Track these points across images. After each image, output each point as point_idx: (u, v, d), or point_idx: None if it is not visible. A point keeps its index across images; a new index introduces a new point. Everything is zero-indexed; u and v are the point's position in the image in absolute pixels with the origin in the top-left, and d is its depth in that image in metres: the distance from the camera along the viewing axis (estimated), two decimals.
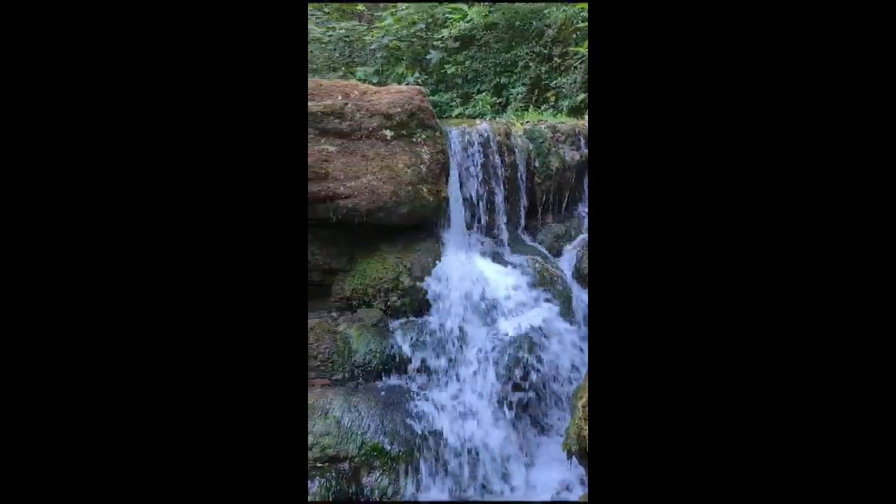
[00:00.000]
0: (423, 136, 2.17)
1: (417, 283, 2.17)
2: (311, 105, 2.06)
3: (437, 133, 2.22)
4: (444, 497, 1.64)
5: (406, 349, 2.08)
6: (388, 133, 2.13)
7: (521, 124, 2.61)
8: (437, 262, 2.22)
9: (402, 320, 2.20)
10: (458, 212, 2.30)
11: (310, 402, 1.80)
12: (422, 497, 1.66)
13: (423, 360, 2.04)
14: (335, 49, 3.99)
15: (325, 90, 2.17)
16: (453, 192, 2.25)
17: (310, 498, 1.55)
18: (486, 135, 2.34)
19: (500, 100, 3.37)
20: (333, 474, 1.65)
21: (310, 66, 3.60)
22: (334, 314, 2.33)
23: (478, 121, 2.57)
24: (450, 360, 2.04)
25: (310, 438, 1.69)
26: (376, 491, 1.67)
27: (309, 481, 1.58)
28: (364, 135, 2.13)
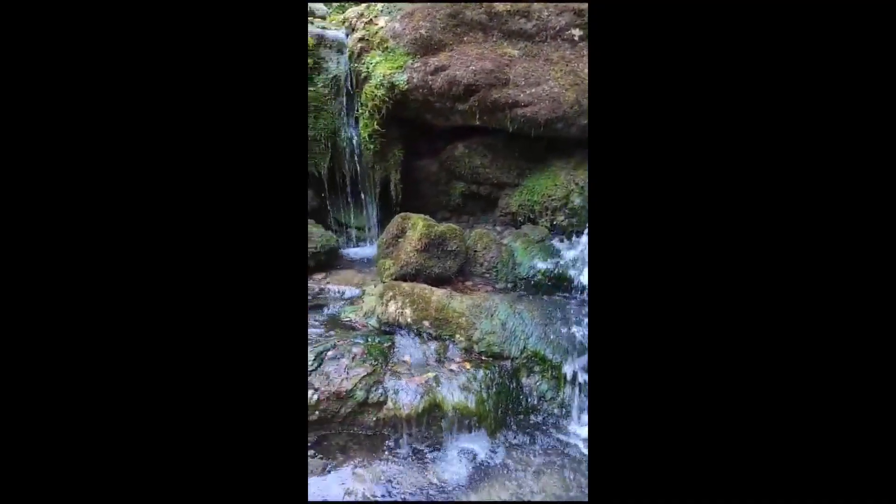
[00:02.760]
0: None
1: None
2: (498, 5, 1.98)
3: None
4: None
5: (570, 268, 2.01)
6: (577, 33, 1.95)
7: None
8: None
9: (568, 241, 2.11)
10: None
11: (476, 302, 1.88)
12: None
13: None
14: None
15: None
16: None
17: (476, 385, 1.65)
18: None
19: None
20: (496, 369, 1.72)
21: None
22: (499, 228, 2.36)
23: None
24: None
25: (476, 334, 1.78)
26: (535, 392, 1.70)
27: (475, 370, 1.68)
28: (549, 35, 1.98)
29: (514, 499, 1.34)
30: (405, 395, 1.51)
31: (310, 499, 1.28)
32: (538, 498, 1.34)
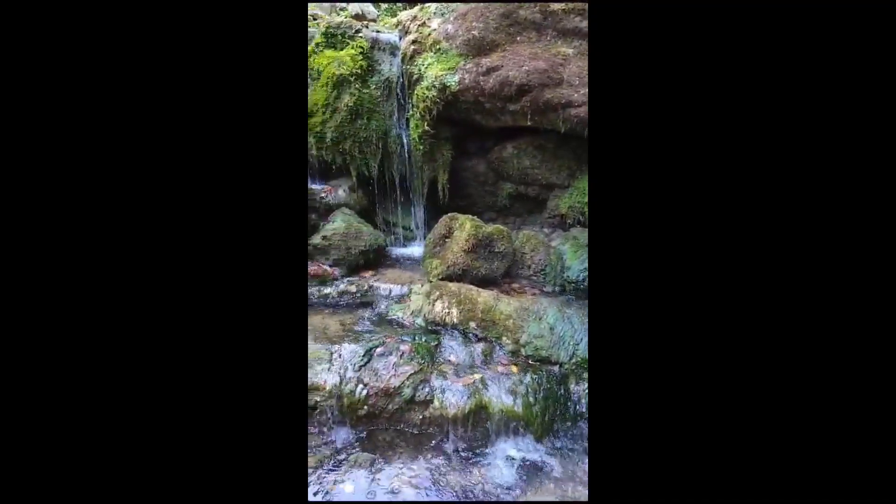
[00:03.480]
0: None
1: None
2: (554, 4, 1.95)
3: None
4: None
5: None
6: None
7: None
8: None
9: None
10: None
11: (524, 305, 1.85)
12: None
13: None
14: None
15: None
16: None
17: (523, 389, 1.63)
18: None
19: None
20: (544, 374, 1.69)
21: None
22: (546, 230, 2.31)
23: None
24: None
25: (524, 337, 1.76)
26: (584, 399, 1.66)
27: (522, 373, 1.66)
28: None
29: None
30: (451, 396, 1.51)
31: (357, 496, 1.31)
32: None
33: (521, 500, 1.33)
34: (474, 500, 1.32)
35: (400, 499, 1.31)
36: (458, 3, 2.16)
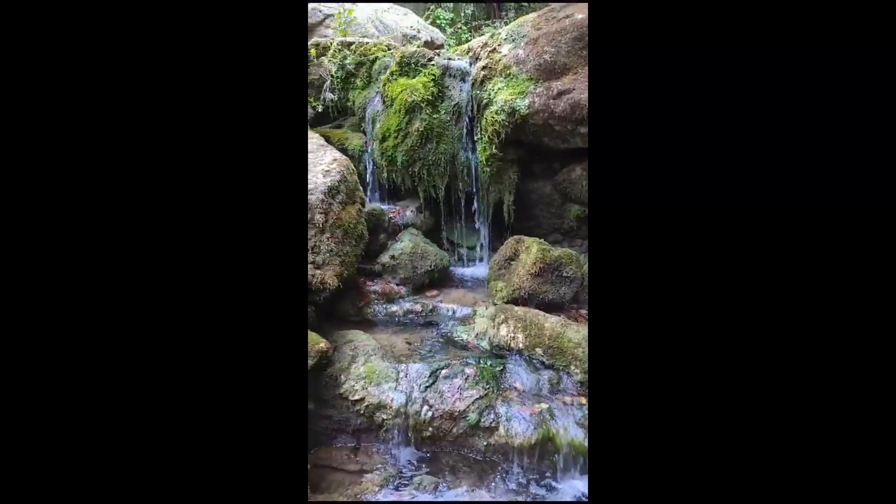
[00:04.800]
0: None
1: None
2: None
3: None
4: None
5: None
6: None
7: None
8: None
9: None
10: None
11: None
12: None
13: None
14: None
15: None
16: None
17: None
18: None
19: None
20: None
21: None
22: None
23: None
24: None
25: None
26: None
27: None
28: None
29: None
30: (517, 424, 1.48)
31: None
32: None
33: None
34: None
35: None
36: (529, 30, 2.18)
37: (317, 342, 1.59)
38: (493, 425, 1.49)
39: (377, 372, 1.60)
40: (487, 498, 1.37)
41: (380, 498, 1.36)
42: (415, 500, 1.33)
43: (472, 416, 1.50)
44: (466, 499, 1.37)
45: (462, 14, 6.35)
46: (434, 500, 1.34)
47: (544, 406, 1.53)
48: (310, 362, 1.52)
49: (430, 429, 1.51)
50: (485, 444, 1.48)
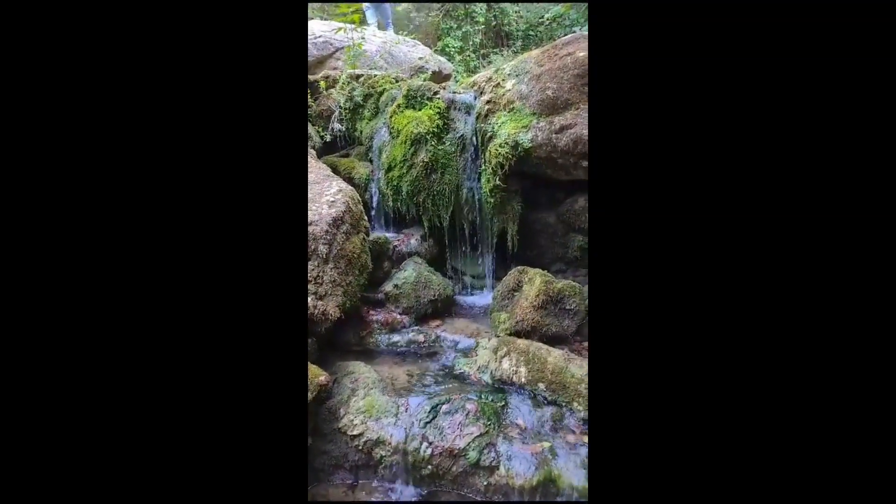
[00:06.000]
0: None
1: None
2: None
3: None
4: None
5: None
6: None
7: None
8: None
9: None
10: None
11: None
12: None
13: None
14: None
15: None
16: None
17: None
18: None
19: None
20: None
21: None
22: None
23: None
24: None
25: None
26: None
27: None
28: None
29: None
30: (518, 464, 1.45)
31: None
32: None
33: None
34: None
35: None
36: (532, 66, 2.24)
37: (317, 375, 1.58)
38: (493, 464, 1.46)
39: (377, 406, 1.59)
40: None
41: None
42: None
43: (473, 455, 1.47)
44: None
45: (470, 42, 6.54)
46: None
47: (546, 445, 1.50)
48: (309, 396, 1.52)
49: (430, 466, 1.48)
50: (485, 483, 1.45)
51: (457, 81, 3.60)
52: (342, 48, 3.67)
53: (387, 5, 4.81)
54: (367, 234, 2.19)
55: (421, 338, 2.08)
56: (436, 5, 6.90)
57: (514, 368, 1.75)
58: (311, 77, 3.13)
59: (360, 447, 1.52)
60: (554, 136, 2.10)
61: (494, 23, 6.96)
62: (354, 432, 1.54)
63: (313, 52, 3.66)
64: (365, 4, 4.62)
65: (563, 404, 1.65)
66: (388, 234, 2.52)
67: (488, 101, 2.34)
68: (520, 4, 6.88)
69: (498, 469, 1.45)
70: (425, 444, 1.50)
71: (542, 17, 6.52)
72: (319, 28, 3.83)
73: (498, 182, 2.29)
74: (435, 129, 2.40)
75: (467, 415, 1.56)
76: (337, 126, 2.85)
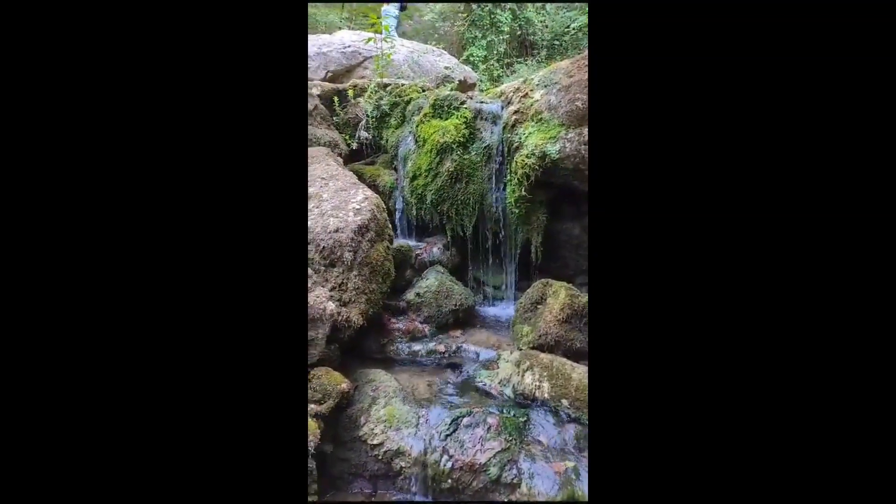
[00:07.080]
0: None
1: None
2: None
3: None
4: None
5: None
6: None
7: None
8: None
9: None
10: None
11: None
12: None
13: None
14: None
15: None
16: None
17: None
18: None
19: None
20: None
21: None
22: None
23: None
24: None
25: None
26: None
27: None
28: None
29: None
30: (541, 482, 1.41)
31: None
32: None
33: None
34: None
35: None
36: (561, 77, 2.22)
37: (339, 382, 1.58)
38: (515, 481, 1.43)
39: (398, 416, 1.58)
40: None
41: None
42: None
43: (494, 471, 1.44)
44: None
45: (495, 51, 6.56)
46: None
47: (570, 464, 1.46)
48: (331, 403, 1.52)
49: (450, 480, 1.46)
50: (506, 500, 1.42)
51: (481, 91, 3.60)
52: (370, 57, 3.73)
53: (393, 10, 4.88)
54: (391, 242, 2.19)
55: (442, 348, 2.06)
56: (462, 14, 6.95)
57: (537, 383, 1.72)
58: (339, 85, 3.19)
59: (380, 457, 1.51)
60: (583, 147, 2.07)
61: (519, 32, 6.96)
62: (375, 441, 1.53)
63: (342, 61, 3.73)
64: (383, 10, 4.70)
65: (588, 422, 1.61)
66: (410, 243, 2.52)
67: (516, 112, 2.33)
68: (545, 14, 6.87)
69: (520, 487, 1.42)
70: (446, 457, 1.48)
71: (568, 26, 6.50)
72: (349, 38, 3.90)
73: (523, 193, 2.27)
74: (461, 139, 2.40)
75: (489, 429, 1.53)
76: (364, 134, 2.88)
